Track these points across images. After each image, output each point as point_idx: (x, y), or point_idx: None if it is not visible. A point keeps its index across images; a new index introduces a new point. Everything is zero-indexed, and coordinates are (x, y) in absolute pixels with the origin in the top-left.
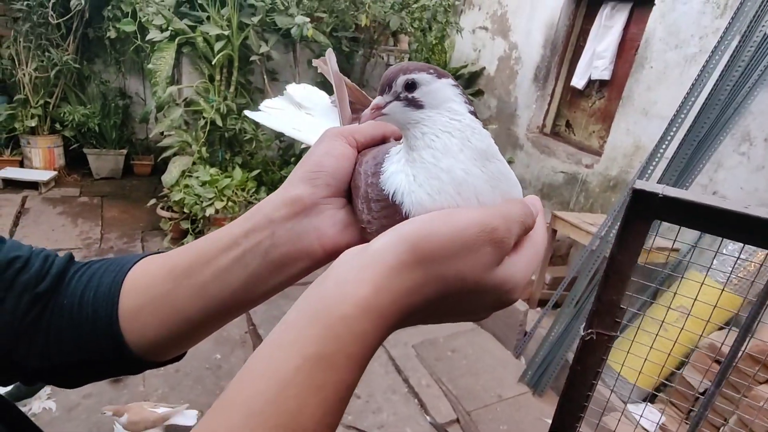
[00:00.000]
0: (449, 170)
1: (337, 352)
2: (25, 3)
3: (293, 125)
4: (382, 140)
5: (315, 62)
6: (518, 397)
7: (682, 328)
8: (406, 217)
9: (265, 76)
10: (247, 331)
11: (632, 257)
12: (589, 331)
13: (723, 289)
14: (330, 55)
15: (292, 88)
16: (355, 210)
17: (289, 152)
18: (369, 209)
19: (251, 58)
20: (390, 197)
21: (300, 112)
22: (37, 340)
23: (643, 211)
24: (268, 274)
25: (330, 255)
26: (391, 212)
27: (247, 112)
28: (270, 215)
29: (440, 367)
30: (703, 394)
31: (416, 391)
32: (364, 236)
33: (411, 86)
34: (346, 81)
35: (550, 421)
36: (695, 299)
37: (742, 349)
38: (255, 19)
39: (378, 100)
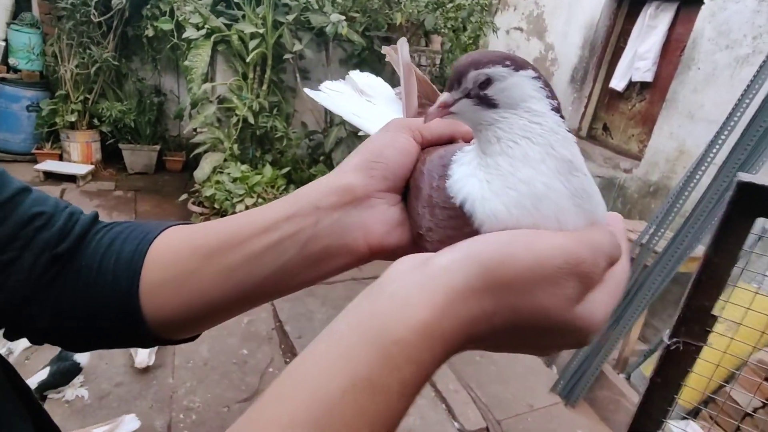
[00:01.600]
0: (528, 182)
1: (391, 379)
2: (70, 2)
3: (353, 110)
4: (450, 140)
5: (385, 50)
6: (550, 408)
7: (733, 339)
8: (476, 231)
9: (297, 75)
10: (273, 327)
11: (730, 259)
12: (675, 339)
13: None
14: (402, 43)
15: (355, 74)
16: (411, 212)
17: (318, 151)
18: (432, 215)
19: (284, 57)
20: (459, 205)
21: (361, 99)
22: (49, 301)
23: (747, 207)
24: (303, 266)
25: (374, 254)
26: (459, 223)
27: (307, 90)
28: (316, 202)
29: (469, 372)
30: (752, 413)
31: (444, 396)
32: (418, 242)
33: (484, 83)
34: (417, 72)
35: None
36: (748, 309)
37: None
38: (289, 18)
39: (446, 96)
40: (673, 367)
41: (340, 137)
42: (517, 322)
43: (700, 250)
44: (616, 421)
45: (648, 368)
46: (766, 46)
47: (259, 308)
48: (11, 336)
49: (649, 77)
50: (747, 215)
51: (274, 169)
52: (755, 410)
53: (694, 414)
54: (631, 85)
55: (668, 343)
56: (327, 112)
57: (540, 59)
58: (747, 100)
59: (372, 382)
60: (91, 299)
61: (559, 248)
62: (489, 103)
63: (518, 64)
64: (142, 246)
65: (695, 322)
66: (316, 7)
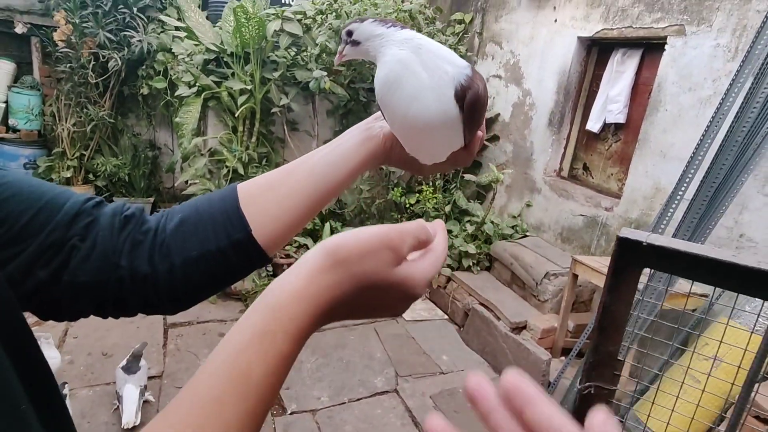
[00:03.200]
0: (394, 56)
1: (277, 329)
2: (68, 65)
3: None
4: None
5: None
6: None
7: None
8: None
9: (285, 127)
10: None
11: (625, 306)
12: (587, 384)
13: (751, 336)
14: None
15: None
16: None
17: None
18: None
19: (272, 110)
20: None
21: None
22: (147, 245)
23: (632, 259)
24: (346, 158)
25: (386, 141)
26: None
27: None
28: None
29: (460, 419)
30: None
31: (414, 415)
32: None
33: (349, 33)
34: None
35: None
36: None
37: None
38: (276, 74)
39: (339, 48)
40: (587, 410)
41: None
42: (358, 285)
43: (681, 287)
44: None
45: (641, 408)
46: (724, 88)
47: None
48: (104, 313)
49: (621, 119)
50: (633, 265)
51: None
52: None
53: None
54: (606, 126)
55: (579, 387)
56: None
57: (519, 104)
58: (709, 139)
59: (265, 333)
60: (201, 233)
61: (375, 232)
62: (355, 43)
63: (363, 19)
64: (228, 191)
65: (604, 366)
66: (301, 63)
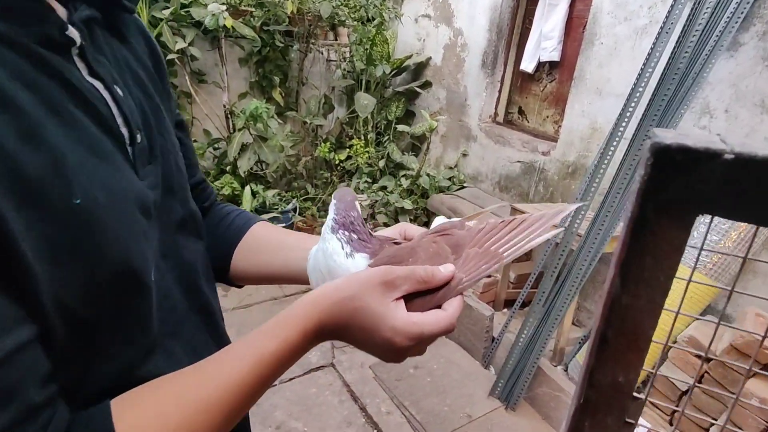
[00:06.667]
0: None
1: (282, 347)
2: None
3: None
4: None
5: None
6: (490, 415)
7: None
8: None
9: (189, 78)
10: None
11: (655, 299)
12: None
13: (690, 279)
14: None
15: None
16: None
17: (225, 160)
18: None
19: (168, 57)
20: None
21: None
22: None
23: (680, 196)
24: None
25: None
26: None
27: None
28: None
29: (402, 388)
30: (686, 392)
31: (375, 421)
32: None
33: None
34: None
35: None
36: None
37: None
38: (167, 13)
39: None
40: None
41: (246, 143)
42: (349, 311)
43: (621, 228)
44: (556, 419)
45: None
46: (661, 15)
47: None
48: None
49: (556, 56)
50: (681, 211)
51: None
52: (690, 389)
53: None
54: (540, 65)
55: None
56: (228, 115)
57: (450, 46)
58: (649, 71)
59: (271, 353)
60: (215, 241)
61: (345, 280)
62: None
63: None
64: (249, 223)
65: (608, 408)
66: None
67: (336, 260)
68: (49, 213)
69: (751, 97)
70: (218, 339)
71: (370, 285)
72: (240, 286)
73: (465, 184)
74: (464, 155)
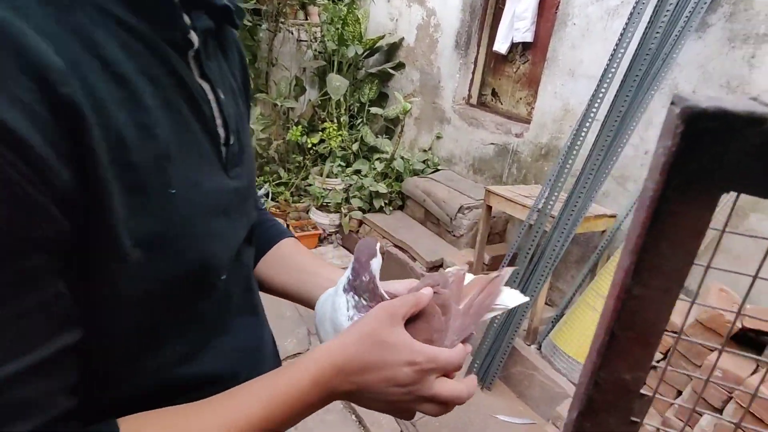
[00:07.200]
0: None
1: (295, 397)
2: None
3: None
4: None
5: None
6: None
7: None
8: None
9: None
10: None
11: (671, 289)
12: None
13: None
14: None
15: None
16: None
17: None
18: None
19: None
20: None
21: None
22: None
23: (707, 171)
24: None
25: None
26: None
27: None
28: None
29: None
30: (653, 366)
31: (353, 407)
32: None
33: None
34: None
35: (502, 419)
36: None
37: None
38: None
39: None
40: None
41: None
42: (361, 342)
43: (594, 209)
44: (530, 396)
45: (557, 335)
46: None
47: None
48: None
49: (529, 37)
50: (708, 186)
51: None
52: (657, 362)
53: None
54: (513, 47)
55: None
56: None
57: (423, 26)
58: (621, 51)
59: (286, 398)
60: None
61: (351, 328)
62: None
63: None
64: (279, 236)
65: (612, 409)
66: None
67: (339, 318)
68: (150, 201)
69: (717, 78)
70: (263, 338)
71: (378, 319)
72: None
73: (439, 167)
74: (438, 138)
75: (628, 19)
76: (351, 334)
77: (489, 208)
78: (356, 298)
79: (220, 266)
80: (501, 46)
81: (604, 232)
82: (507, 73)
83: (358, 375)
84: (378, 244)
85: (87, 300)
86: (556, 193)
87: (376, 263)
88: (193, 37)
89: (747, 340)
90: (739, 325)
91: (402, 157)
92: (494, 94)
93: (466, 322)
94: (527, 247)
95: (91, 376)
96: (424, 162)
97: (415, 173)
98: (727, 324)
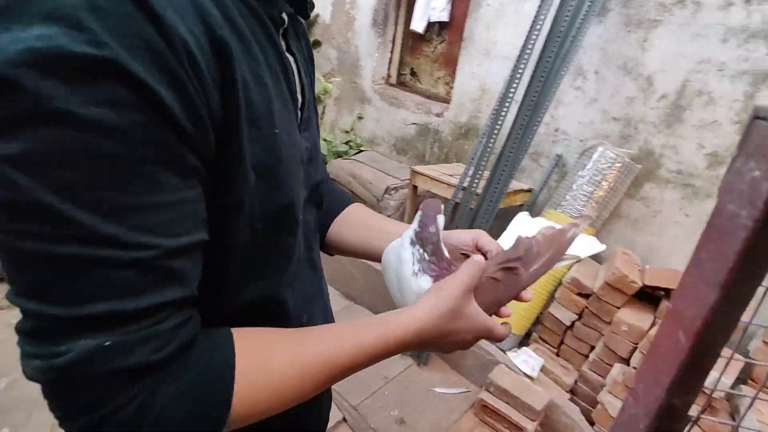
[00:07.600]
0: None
1: (385, 342)
2: None
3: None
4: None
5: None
6: (404, 373)
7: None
8: None
9: None
10: None
11: (735, 314)
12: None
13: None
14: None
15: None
16: None
17: None
18: None
19: None
20: None
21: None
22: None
23: None
24: None
25: None
26: None
27: None
28: None
29: None
30: (570, 327)
31: None
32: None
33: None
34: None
35: (439, 391)
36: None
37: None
38: None
39: None
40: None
41: None
42: (432, 335)
43: (513, 185)
44: (464, 366)
45: None
46: None
47: None
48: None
49: (445, 17)
50: None
51: None
52: (573, 323)
53: (527, 337)
54: (430, 26)
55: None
56: None
57: (339, 2)
58: (535, 33)
59: (370, 344)
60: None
61: (439, 313)
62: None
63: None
64: (348, 202)
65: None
66: None
67: (404, 272)
68: (261, 135)
69: (615, 59)
70: (323, 291)
71: (457, 297)
72: (331, 254)
73: (362, 148)
74: (360, 118)
75: (541, 1)
76: (438, 307)
77: (415, 188)
78: (420, 251)
79: (301, 206)
80: (418, 25)
81: (521, 206)
82: (425, 52)
83: (433, 339)
84: (442, 205)
85: (217, 210)
86: (480, 172)
87: (441, 220)
88: (284, 17)
89: (646, 297)
90: (640, 283)
91: (324, 139)
92: (413, 73)
93: (532, 277)
94: (453, 225)
95: (202, 285)
96: (347, 143)
97: (339, 155)
98: (631, 284)
